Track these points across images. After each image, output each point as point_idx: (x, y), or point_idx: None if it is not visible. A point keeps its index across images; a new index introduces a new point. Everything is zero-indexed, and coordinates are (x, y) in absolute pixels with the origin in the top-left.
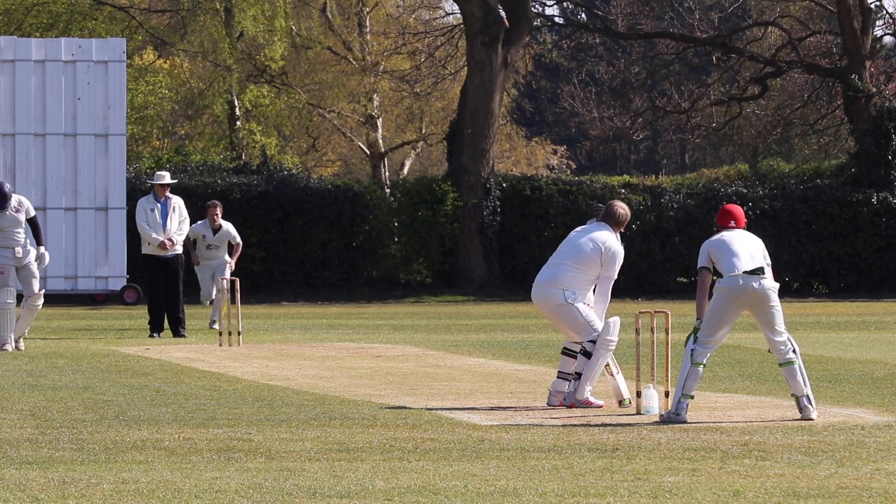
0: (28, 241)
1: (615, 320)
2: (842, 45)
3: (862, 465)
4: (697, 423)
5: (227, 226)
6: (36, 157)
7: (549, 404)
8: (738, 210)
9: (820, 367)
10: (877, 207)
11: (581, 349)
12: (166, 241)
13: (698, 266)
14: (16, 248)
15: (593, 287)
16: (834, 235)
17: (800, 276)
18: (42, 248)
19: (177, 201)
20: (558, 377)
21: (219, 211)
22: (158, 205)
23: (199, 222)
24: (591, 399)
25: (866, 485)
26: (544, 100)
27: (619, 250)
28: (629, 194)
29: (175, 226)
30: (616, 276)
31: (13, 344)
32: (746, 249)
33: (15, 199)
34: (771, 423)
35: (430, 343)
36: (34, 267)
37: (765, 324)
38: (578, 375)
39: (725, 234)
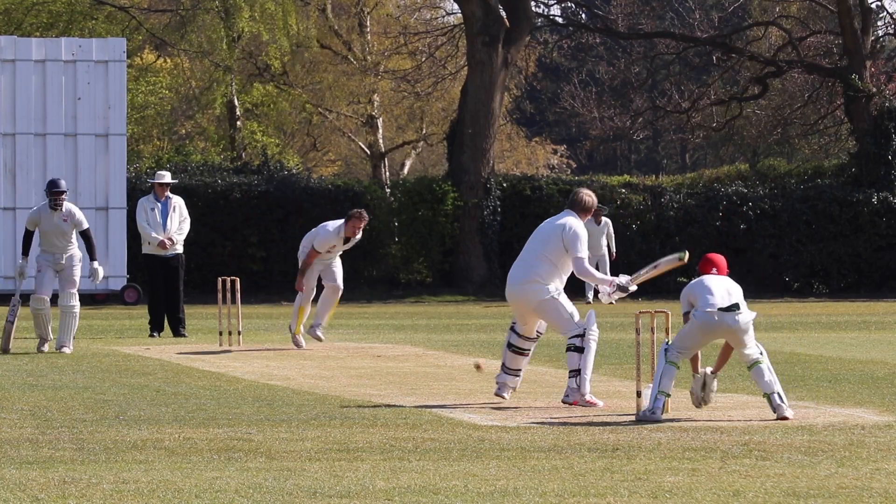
0: (75, 253)
1: (593, 312)
2: (842, 45)
3: (862, 464)
4: (697, 423)
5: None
6: (36, 156)
7: (497, 394)
8: (721, 260)
9: (820, 366)
10: (877, 207)
11: (571, 346)
12: (166, 241)
13: (682, 312)
14: (55, 255)
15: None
16: (834, 235)
17: (800, 276)
18: (96, 263)
19: (177, 201)
20: (504, 371)
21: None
22: (159, 204)
23: (330, 230)
24: (593, 398)
25: (866, 485)
26: (545, 100)
27: (581, 231)
28: (629, 194)
29: (175, 225)
30: (585, 256)
31: (48, 343)
32: (723, 287)
33: (66, 209)
34: (771, 423)
35: (430, 343)
36: (74, 273)
37: (737, 346)
38: (575, 372)
39: (704, 277)
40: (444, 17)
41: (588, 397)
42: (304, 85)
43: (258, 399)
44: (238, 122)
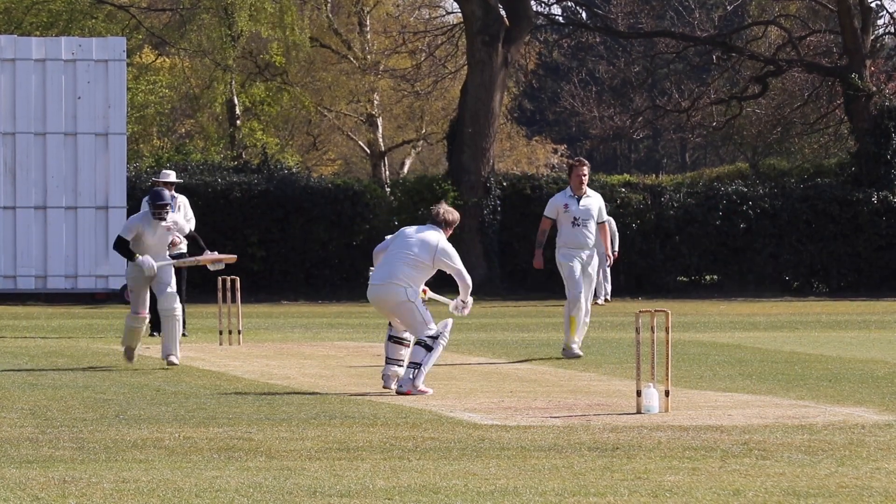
0: (166, 257)
1: (450, 322)
2: (842, 45)
3: (862, 464)
4: (697, 422)
5: (596, 196)
6: (36, 156)
7: (385, 387)
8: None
9: (820, 366)
10: (877, 207)
11: (421, 342)
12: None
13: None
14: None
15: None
16: (834, 235)
17: (800, 276)
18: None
19: (182, 200)
20: (388, 363)
21: (586, 171)
22: None
23: (561, 192)
24: (424, 388)
25: (866, 484)
26: (545, 99)
27: (450, 248)
28: (629, 193)
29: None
30: (461, 267)
31: (135, 355)
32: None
33: (171, 217)
34: (771, 423)
35: None
36: (168, 274)
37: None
38: (415, 365)
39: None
40: (443, 16)
41: (421, 387)
42: (303, 84)
43: (258, 398)
44: (238, 121)
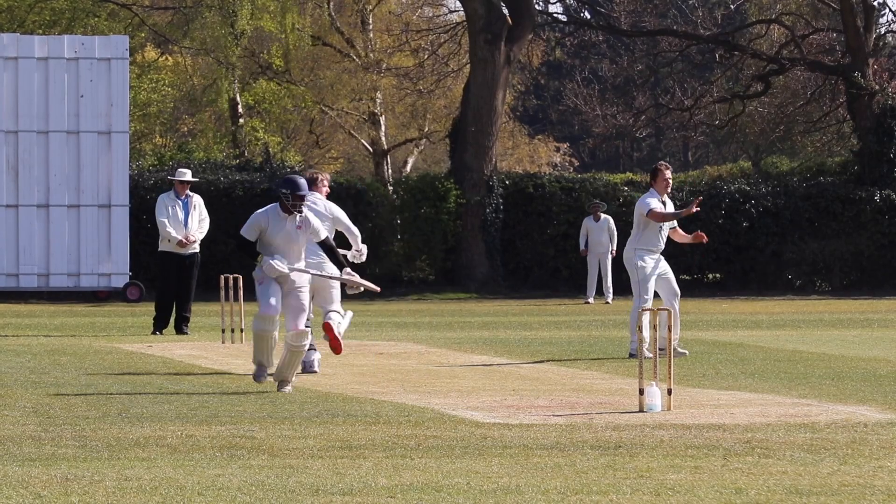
0: (306, 266)
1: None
2: (845, 43)
3: (864, 462)
4: (700, 420)
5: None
6: (39, 154)
7: (314, 371)
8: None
9: (823, 364)
10: (879, 205)
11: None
12: (189, 237)
13: None
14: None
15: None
16: (836, 233)
17: (802, 274)
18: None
19: (197, 200)
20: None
21: (670, 174)
22: (179, 202)
23: (647, 194)
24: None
25: (869, 482)
26: (547, 97)
27: (335, 206)
28: (632, 192)
29: (196, 223)
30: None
31: (272, 369)
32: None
33: (303, 215)
34: (773, 421)
35: (432, 340)
36: (303, 296)
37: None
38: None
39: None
40: (446, 14)
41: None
42: (306, 82)
43: (261, 396)
44: (240, 120)
